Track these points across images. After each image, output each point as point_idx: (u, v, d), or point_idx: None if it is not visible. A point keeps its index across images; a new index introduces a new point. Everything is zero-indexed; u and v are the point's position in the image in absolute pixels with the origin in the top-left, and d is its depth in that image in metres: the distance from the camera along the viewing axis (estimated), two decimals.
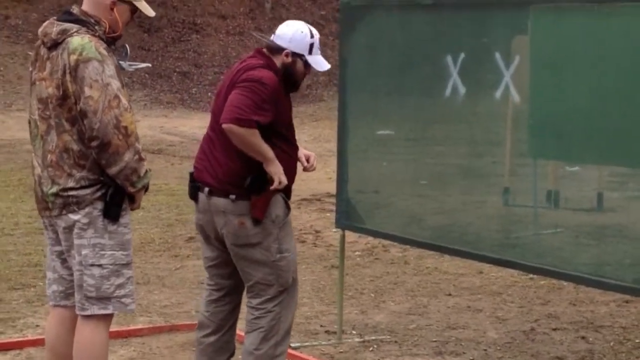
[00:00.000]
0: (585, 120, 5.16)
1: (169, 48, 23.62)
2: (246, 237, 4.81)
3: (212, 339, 5.08)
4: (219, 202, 4.82)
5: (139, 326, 6.30)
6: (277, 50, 4.89)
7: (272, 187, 4.74)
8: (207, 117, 21.18)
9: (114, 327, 4.81)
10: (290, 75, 4.89)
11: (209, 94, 23.05)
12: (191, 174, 4.97)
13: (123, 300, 4.39)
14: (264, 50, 4.93)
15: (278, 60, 4.88)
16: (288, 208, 4.92)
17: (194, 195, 4.95)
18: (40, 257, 8.24)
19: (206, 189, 4.86)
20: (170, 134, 18.58)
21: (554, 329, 6.39)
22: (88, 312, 4.37)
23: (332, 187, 11.85)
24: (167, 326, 6.33)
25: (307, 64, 4.92)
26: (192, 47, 24.36)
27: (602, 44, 4.96)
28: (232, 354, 5.16)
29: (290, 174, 4.87)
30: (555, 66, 5.21)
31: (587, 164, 5.47)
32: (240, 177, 4.76)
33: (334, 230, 9.51)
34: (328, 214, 10.40)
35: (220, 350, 5.10)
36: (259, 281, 4.89)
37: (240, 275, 4.97)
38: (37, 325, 6.32)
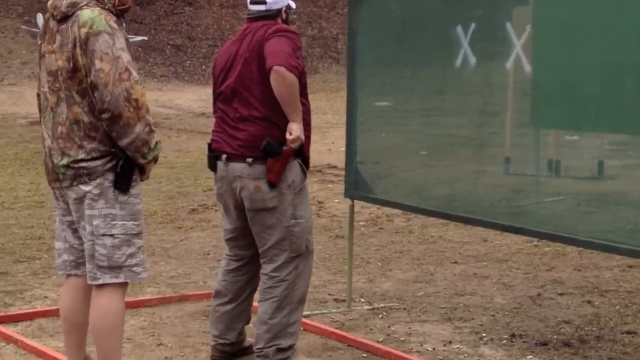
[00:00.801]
0: (588, 89, 5.18)
1: (162, 21, 23.53)
2: (262, 201, 4.85)
3: (228, 307, 5.13)
4: (236, 166, 4.87)
5: (148, 297, 6.32)
6: (277, 14, 4.97)
7: (289, 144, 4.76)
8: (201, 90, 21.17)
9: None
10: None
11: (203, 66, 23.00)
12: (209, 145, 5.03)
13: (134, 269, 4.42)
14: (264, 22, 4.93)
15: (278, 21, 4.97)
16: (305, 174, 4.95)
17: (212, 165, 5.00)
18: (43, 230, 8.26)
19: (224, 156, 4.91)
20: (166, 107, 18.55)
21: (560, 294, 6.44)
22: (100, 282, 4.39)
23: (332, 159, 11.94)
24: (176, 296, 6.36)
25: (288, 9, 5.06)
26: (186, 20, 24.27)
27: (604, 13, 4.98)
28: (248, 322, 5.21)
29: (307, 139, 4.90)
30: (557, 35, 5.23)
31: (587, 132, 5.51)
32: (257, 140, 4.81)
33: (337, 200, 9.59)
34: (330, 185, 10.44)
35: (236, 318, 5.15)
36: (272, 246, 4.93)
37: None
38: (46, 297, 6.35)
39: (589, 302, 6.28)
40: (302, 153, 4.92)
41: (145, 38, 21.46)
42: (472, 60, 5.63)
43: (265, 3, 4.95)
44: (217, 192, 5.08)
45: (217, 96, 5.04)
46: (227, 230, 5.15)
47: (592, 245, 5.34)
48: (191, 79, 22.19)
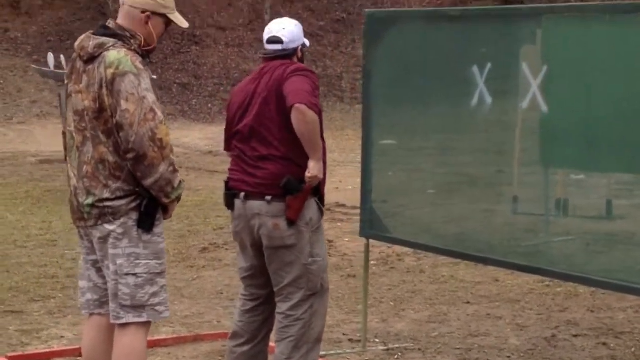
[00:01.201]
0: (597, 129, 5.24)
1: (169, 60, 23.69)
2: (280, 239, 4.89)
3: (245, 348, 5.14)
4: (255, 204, 4.91)
5: (163, 336, 6.33)
6: (294, 51, 5.04)
7: (307, 182, 4.80)
8: (207, 128, 21.24)
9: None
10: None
11: (209, 105, 23.13)
12: (226, 183, 5.06)
13: (157, 308, 4.46)
14: (280, 61, 5.00)
15: (294, 59, 5.04)
16: (322, 213, 4.99)
17: (229, 203, 5.03)
18: (57, 269, 8.29)
19: (242, 194, 4.95)
20: (173, 145, 18.59)
21: (575, 336, 6.45)
22: (123, 321, 4.43)
23: (340, 197, 11.97)
24: (192, 336, 6.37)
25: (303, 47, 5.13)
26: (192, 59, 24.44)
27: (612, 54, 5.04)
28: None
29: (324, 176, 4.95)
30: (568, 76, 5.29)
31: (595, 172, 5.56)
32: (277, 178, 4.85)
33: (347, 239, 9.61)
34: (339, 224, 10.47)
35: (253, 358, 5.16)
36: (289, 284, 4.96)
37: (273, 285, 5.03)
38: (62, 337, 6.37)
39: (604, 344, 6.29)
40: (318, 192, 4.97)
41: (155, 77, 21.60)
42: (486, 99, 5.69)
43: (282, 42, 5.01)
44: (234, 229, 5.11)
45: (233, 135, 5.07)
46: (243, 269, 5.18)
47: (607, 285, 5.38)
48: (198, 118, 22.31)
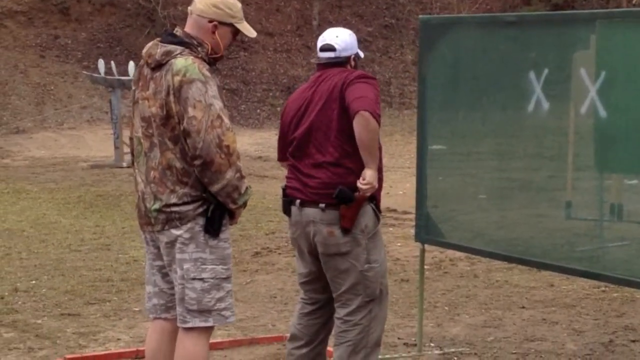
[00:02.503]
0: None
1: (218, 65, 23.79)
2: (336, 246, 4.90)
3: (303, 351, 5.16)
4: (310, 211, 4.93)
5: (219, 339, 6.37)
6: (346, 62, 5.05)
7: (361, 192, 4.80)
8: (256, 133, 21.32)
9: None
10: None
11: (258, 110, 23.22)
12: (283, 190, 5.09)
13: (223, 313, 4.48)
14: (333, 68, 5.02)
15: (347, 67, 5.05)
16: (378, 219, 4.99)
17: (286, 210, 5.07)
18: (111, 273, 8.38)
19: (297, 201, 4.98)
20: None
21: (633, 341, 6.40)
22: (190, 325, 4.45)
23: (390, 202, 11.98)
24: (247, 339, 6.41)
25: (357, 57, 5.13)
26: (240, 65, 24.57)
27: None
28: None
29: (380, 182, 4.95)
30: (626, 81, 5.26)
31: None
32: (330, 187, 4.87)
33: (399, 244, 9.61)
34: (391, 229, 10.47)
35: None
36: (346, 290, 4.97)
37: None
38: (119, 339, 6.43)
39: None
40: (375, 198, 4.97)
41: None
42: (543, 105, 5.67)
43: (334, 50, 5.02)
44: (291, 236, 5.14)
45: (289, 142, 5.08)
46: (301, 274, 5.20)
47: None
48: (246, 123, 22.41)
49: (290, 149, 5.07)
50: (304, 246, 5.05)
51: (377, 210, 5.00)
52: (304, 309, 5.20)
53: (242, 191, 4.40)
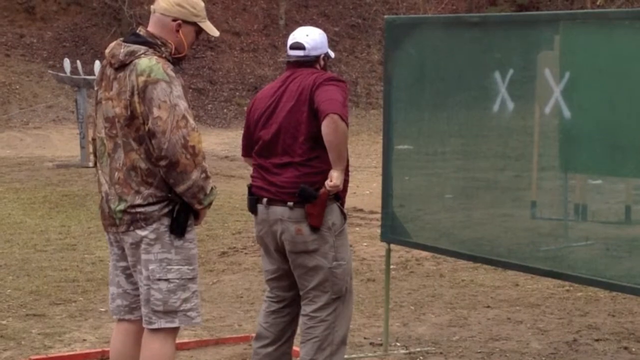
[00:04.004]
0: (617, 134, 5.24)
1: (184, 65, 23.71)
2: (304, 244, 4.92)
3: (270, 349, 5.18)
4: (277, 210, 4.94)
5: (185, 340, 6.36)
6: (315, 60, 5.05)
7: (326, 188, 4.83)
8: (223, 133, 21.20)
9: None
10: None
11: (225, 110, 23.18)
12: (249, 188, 5.09)
13: (189, 313, 4.47)
14: (302, 68, 5.03)
15: (317, 67, 5.06)
16: (345, 217, 5.02)
17: (252, 208, 5.07)
18: (77, 273, 8.34)
19: (264, 200, 4.99)
20: None
21: (596, 340, 6.45)
22: (155, 326, 4.45)
23: (357, 202, 12.00)
24: (213, 340, 6.40)
25: (326, 57, 5.13)
26: (207, 64, 24.51)
27: (633, 59, 5.05)
28: None
29: (346, 183, 4.98)
30: (589, 81, 5.31)
31: (614, 177, 5.57)
32: (296, 186, 4.88)
33: (365, 244, 9.64)
34: (357, 228, 10.48)
35: None
36: (314, 287, 4.99)
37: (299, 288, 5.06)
38: (84, 340, 6.41)
39: (625, 348, 6.29)
40: (339, 197, 4.99)
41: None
42: (508, 105, 5.71)
43: (304, 49, 5.03)
44: (257, 234, 5.15)
45: (255, 141, 5.09)
46: (268, 272, 5.21)
47: (628, 289, 5.37)
48: (213, 123, 22.37)
49: (257, 148, 5.08)
50: (271, 244, 5.06)
51: (343, 209, 5.02)
52: (270, 307, 5.21)
53: (208, 191, 4.40)
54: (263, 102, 5.08)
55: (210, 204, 4.45)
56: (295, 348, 5.33)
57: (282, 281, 5.16)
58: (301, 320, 5.10)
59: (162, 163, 4.31)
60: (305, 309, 5.05)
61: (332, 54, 5.18)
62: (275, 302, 5.20)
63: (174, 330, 4.49)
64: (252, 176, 5.14)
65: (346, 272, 5.03)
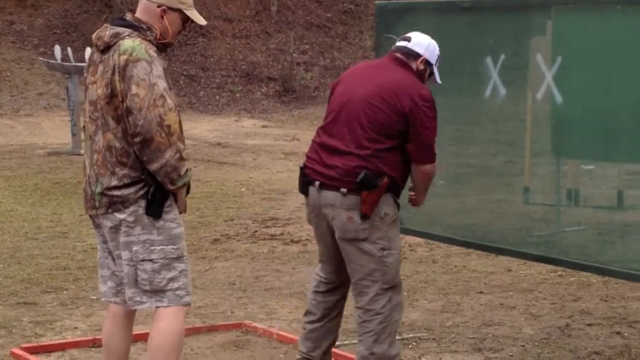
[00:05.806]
0: (610, 119, 5.24)
1: (176, 51, 23.66)
2: (354, 232, 4.90)
3: (317, 325, 5.23)
4: (329, 195, 4.92)
5: None
6: (415, 56, 5.02)
7: (387, 181, 4.85)
8: (215, 119, 21.13)
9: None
10: (422, 81, 5.04)
11: (217, 96, 23.12)
12: (302, 169, 5.07)
13: (177, 292, 4.51)
14: (399, 55, 5.02)
15: (413, 66, 5.02)
16: (398, 208, 5.00)
17: (304, 190, 5.05)
18: (68, 261, 8.31)
19: (317, 183, 4.96)
20: None
21: (589, 325, 6.46)
22: (146, 306, 4.50)
23: None
24: (205, 327, 6.39)
25: (431, 74, 5.07)
26: (199, 51, 24.43)
27: (626, 44, 5.05)
28: (334, 342, 5.32)
29: (406, 175, 5.01)
30: (581, 66, 5.30)
31: (606, 163, 5.57)
32: (353, 175, 4.85)
33: None
34: None
35: (323, 336, 5.24)
36: (364, 277, 4.96)
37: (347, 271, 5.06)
38: (76, 328, 6.39)
39: (617, 332, 6.30)
40: (396, 188, 4.96)
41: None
42: (500, 90, 5.70)
43: (409, 40, 5.06)
44: (308, 215, 5.14)
45: (328, 112, 5.06)
46: (319, 252, 5.25)
47: (620, 274, 5.40)
48: (205, 109, 22.31)
49: (325, 124, 5.05)
50: (321, 227, 5.06)
51: (397, 199, 4.99)
52: (318, 287, 5.24)
53: (182, 173, 4.39)
54: (351, 78, 5.09)
55: (184, 185, 4.46)
56: (334, 350, 5.41)
57: (330, 264, 5.17)
58: (355, 313, 5.05)
59: (137, 140, 4.34)
60: (358, 300, 5.01)
61: (438, 76, 5.11)
62: (324, 282, 5.22)
63: (180, 309, 4.52)
64: (308, 156, 5.08)
65: (398, 261, 5.00)
